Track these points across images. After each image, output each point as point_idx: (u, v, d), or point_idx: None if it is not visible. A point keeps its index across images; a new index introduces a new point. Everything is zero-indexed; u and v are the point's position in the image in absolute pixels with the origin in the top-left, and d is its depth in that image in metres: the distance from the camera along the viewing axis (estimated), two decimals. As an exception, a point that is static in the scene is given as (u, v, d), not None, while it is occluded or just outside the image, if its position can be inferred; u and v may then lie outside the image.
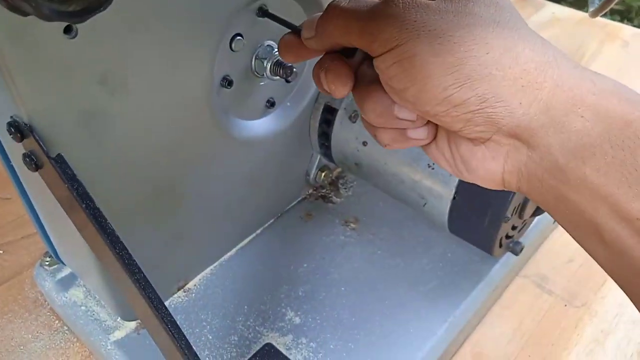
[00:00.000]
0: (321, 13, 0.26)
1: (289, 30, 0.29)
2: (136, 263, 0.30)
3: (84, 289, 0.44)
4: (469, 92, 0.21)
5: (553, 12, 0.90)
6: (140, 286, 0.30)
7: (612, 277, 0.23)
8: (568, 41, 0.83)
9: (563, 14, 0.90)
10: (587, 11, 0.66)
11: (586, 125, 0.21)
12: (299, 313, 0.42)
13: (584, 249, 0.23)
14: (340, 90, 0.25)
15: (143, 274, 0.30)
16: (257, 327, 0.42)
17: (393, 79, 0.23)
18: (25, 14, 0.22)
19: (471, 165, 0.24)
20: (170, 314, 0.31)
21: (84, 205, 0.29)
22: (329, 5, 0.25)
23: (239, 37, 0.37)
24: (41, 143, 0.29)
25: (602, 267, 0.23)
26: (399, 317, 0.42)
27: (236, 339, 0.41)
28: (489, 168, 0.24)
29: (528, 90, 0.21)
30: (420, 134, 0.25)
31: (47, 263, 0.45)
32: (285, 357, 0.39)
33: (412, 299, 0.43)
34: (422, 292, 0.44)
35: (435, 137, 0.25)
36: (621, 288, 0.23)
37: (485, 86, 0.21)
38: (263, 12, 0.38)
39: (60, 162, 0.29)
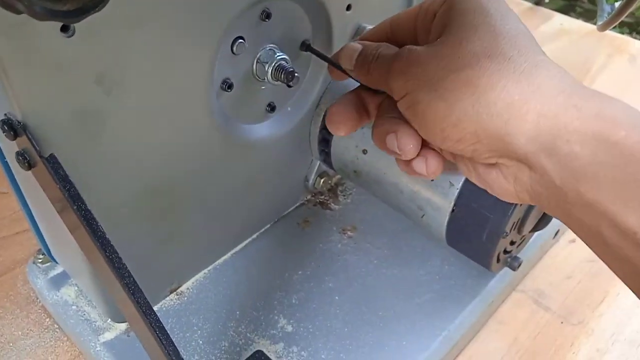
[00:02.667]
0: (356, 42, 0.30)
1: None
2: (126, 267, 0.30)
3: (76, 288, 0.43)
4: (462, 132, 0.24)
5: (561, 23, 0.90)
6: (129, 290, 0.30)
7: (622, 281, 0.25)
8: (575, 54, 0.82)
9: (571, 26, 0.89)
10: (595, 23, 0.66)
11: (574, 149, 0.22)
12: (291, 321, 0.42)
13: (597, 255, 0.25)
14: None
15: (132, 277, 0.30)
16: (248, 334, 0.41)
17: (409, 120, 0.27)
18: (18, 12, 0.22)
19: (488, 183, 0.27)
20: (158, 319, 0.30)
21: (75, 207, 0.29)
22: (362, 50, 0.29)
23: (240, 40, 0.37)
24: (34, 142, 0.28)
25: (613, 271, 0.25)
26: (393, 329, 0.41)
27: (227, 344, 0.40)
28: (503, 187, 0.26)
29: (513, 123, 0.23)
30: (419, 166, 0.28)
31: (40, 260, 0.45)
32: (276, 365, 0.39)
33: (407, 311, 0.42)
34: (418, 304, 0.43)
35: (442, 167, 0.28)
36: (632, 291, 0.24)
37: (474, 125, 0.24)
38: (306, 47, 0.41)
39: (52, 162, 0.28)
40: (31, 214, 0.40)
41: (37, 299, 0.48)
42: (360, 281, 0.45)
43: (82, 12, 0.22)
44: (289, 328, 0.41)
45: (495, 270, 0.42)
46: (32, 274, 0.45)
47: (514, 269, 0.43)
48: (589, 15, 1.89)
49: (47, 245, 0.42)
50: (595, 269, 0.51)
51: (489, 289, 0.44)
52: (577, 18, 0.91)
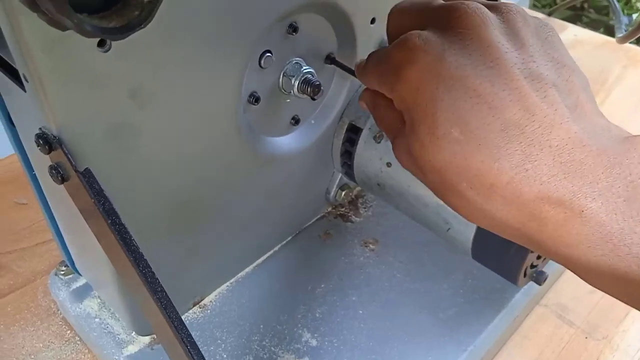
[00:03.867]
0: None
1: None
2: (158, 280, 0.30)
3: (99, 300, 0.43)
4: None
5: (575, 34, 0.90)
6: (162, 304, 0.30)
7: None
8: (591, 65, 0.82)
9: (585, 36, 0.89)
10: (602, 32, 0.66)
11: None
12: (315, 335, 0.42)
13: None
14: None
15: (165, 292, 0.30)
16: (272, 348, 0.41)
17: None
18: (64, 28, 0.22)
19: None
20: (189, 333, 0.30)
21: (109, 221, 0.29)
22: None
23: (268, 54, 0.37)
24: (69, 156, 0.28)
25: None
26: (418, 344, 0.41)
27: (251, 358, 0.40)
28: None
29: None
30: None
31: (62, 272, 0.45)
32: (301, 380, 0.39)
33: (432, 326, 0.42)
34: (442, 319, 0.43)
35: None
36: None
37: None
38: (331, 60, 0.41)
39: (87, 177, 0.28)
40: (56, 225, 0.40)
41: (58, 311, 0.48)
42: (384, 295, 0.44)
43: (127, 30, 0.22)
44: (314, 342, 0.41)
45: (521, 285, 0.42)
46: (54, 286, 0.45)
47: (539, 283, 0.42)
48: (595, 26, 1.89)
49: (70, 257, 0.42)
50: (618, 283, 0.50)
51: (513, 303, 0.44)
52: (584, 28, 0.91)
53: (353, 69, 0.40)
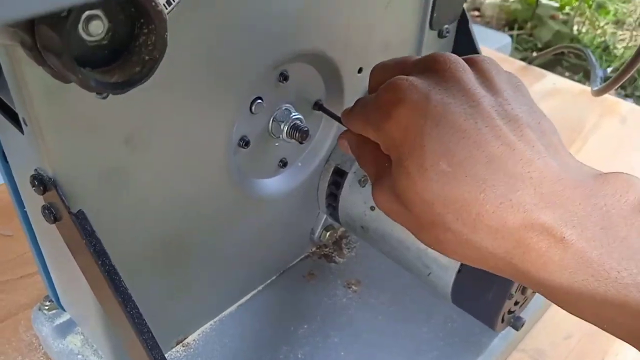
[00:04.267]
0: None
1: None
2: (144, 321, 0.30)
3: (82, 337, 0.43)
4: None
5: (554, 82, 0.93)
6: (147, 345, 0.30)
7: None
8: (568, 113, 0.85)
9: (563, 85, 0.92)
10: (581, 76, 0.69)
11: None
12: (297, 376, 0.42)
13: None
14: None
15: (151, 332, 0.30)
16: (254, 388, 0.41)
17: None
18: (68, 81, 0.23)
19: None
20: (174, 375, 0.30)
21: (99, 262, 0.29)
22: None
23: (259, 101, 0.38)
24: (64, 198, 0.29)
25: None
26: (398, 387, 0.42)
27: (232, 399, 0.40)
28: None
29: None
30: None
31: (46, 307, 0.45)
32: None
33: (412, 368, 0.43)
34: (422, 361, 0.43)
35: None
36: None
37: None
38: (319, 107, 0.43)
39: (80, 218, 0.29)
40: (43, 261, 0.40)
41: (40, 346, 0.48)
42: (366, 337, 0.45)
43: (128, 85, 0.23)
44: (295, 383, 0.42)
45: (499, 330, 0.43)
46: (37, 321, 0.45)
47: (517, 328, 0.44)
48: (575, 70, 1.96)
49: (56, 292, 0.43)
50: (594, 328, 0.51)
51: (491, 348, 0.45)
52: (564, 72, 0.95)
53: (339, 115, 0.42)
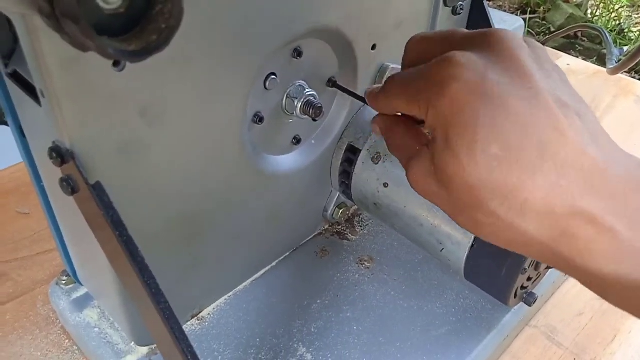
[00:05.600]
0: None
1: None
2: (161, 292, 0.31)
3: (99, 310, 0.44)
4: None
5: (568, 63, 0.92)
6: (164, 315, 0.31)
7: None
8: (582, 93, 0.83)
9: (578, 66, 0.91)
10: (595, 60, 0.68)
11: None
12: (310, 350, 0.43)
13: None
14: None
15: (167, 303, 0.31)
16: (268, 361, 0.42)
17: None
18: (86, 49, 0.23)
19: None
20: (190, 343, 0.31)
21: (117, 233, 0.30)
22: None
23: (273, 77, 0.38)
24: (81, 170, 0.29)
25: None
26: (410, 361, 0.42)
27: (247, 371, 0.41)
28: None
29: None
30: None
31: (63, 282, 0.46)
32: (295, 393, 0.39)
33: (424, 343, 0.43)
34: (434, 336, 0.44)
35: None
36: None
37: None
38: (332, 84, 0.43)
39: (98, 190, 0.30)
40: (61, 235, 0.41)
41: (57, 320, 0.48)
42: (378, 312, 0.45)
43: (146, 53, 0.23)
44: (309, 357, 0.42)
45: (512, 306, 0.43)
46: (54, 295, 0.46)
47: (529, 304, 0.44)
48: (588, 54, 1.93)
49: (73, 266, 0.43)
50: (606, 306, 0.51)
51: (504, 323, 0.45)
52: (577, 56, 0.94)
53: (355, 92, 0.42)
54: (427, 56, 0.28)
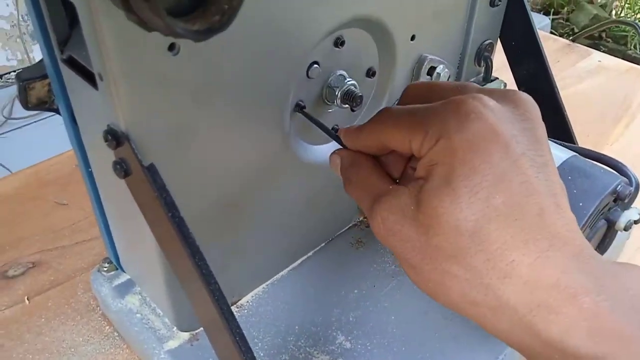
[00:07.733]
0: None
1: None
2: (212, 273, 0.31)
3: (140, 296, 0.45)
4: None
5: (599, 60, 0.91)
6: (215, 296, 0.31)
7: None
8: (614, 90, 0.84)
9: (609, 63, 0.91)
10: (625, 51, 0.67)
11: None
12: (349, 338, 0.43)
13: None
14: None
15: (217, 284, 0.31)
16: (307, 348, 0.42)
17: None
18: (151, 29, 0.24)
19: None
20: (238, 324, 0.32)
21: (170, 214, 0.30)
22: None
23: (315, 65, 0.39)
24: (136, 151, 0.30)
25: None
26: (450, 351, 0.42)
27: (287, 358, 0.41)
28: None
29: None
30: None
31: (105, 269, 0.46)
32: (335, 380, 0.40)
33: (464, 333, 0.43)
34: (474, 326, 0.43)
35: None
36: None
37: None
38: (300, 109, 0.40)
39: (152, 172, 0.30)
40: (106, 222, 0.42)
41: (97, 307, 0.49)
42: (415, 302, 0.45)
43: (210, 32, 0.24)
44: (348, 345, 0.42)
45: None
46: (96, 282, 0.47)
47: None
48: (613, 55, 1.91)
49: (116, 253, 0.44)
50: None
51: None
52: (605, 53, 0.93)
53: (324, 124, 0.39)
54: (432, 100, 0.27)
